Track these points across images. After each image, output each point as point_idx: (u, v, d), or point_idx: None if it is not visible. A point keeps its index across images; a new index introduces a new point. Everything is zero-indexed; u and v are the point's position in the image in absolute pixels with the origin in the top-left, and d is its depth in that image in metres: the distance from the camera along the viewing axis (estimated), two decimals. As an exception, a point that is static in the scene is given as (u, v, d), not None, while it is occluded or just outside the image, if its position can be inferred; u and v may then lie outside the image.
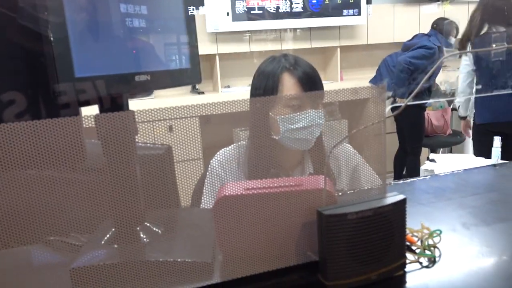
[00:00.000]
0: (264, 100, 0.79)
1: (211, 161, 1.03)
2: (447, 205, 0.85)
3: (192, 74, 0.69)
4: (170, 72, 0.66)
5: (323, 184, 0.63)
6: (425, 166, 2.79)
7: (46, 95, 0.50)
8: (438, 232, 0.70)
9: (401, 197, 0.60)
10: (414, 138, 3.31)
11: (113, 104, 0.60)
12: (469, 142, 3.89)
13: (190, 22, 0.69)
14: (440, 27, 3.21)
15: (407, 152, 3.43)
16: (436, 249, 0.67)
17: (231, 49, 3.58)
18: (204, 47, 3.43)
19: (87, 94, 0.52)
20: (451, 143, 3.67)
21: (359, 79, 3.94)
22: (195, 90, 3.54)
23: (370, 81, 3.47)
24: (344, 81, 3.83)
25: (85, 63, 0.52)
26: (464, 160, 2.82)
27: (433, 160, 2.80)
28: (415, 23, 3.87)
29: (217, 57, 3.51)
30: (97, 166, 0.65)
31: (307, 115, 0.89)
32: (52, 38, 0.47)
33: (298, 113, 0.91)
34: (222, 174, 1.00)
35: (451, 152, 3.96)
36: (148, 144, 0.76)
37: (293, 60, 1.13)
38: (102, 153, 0.63)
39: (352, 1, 3.61)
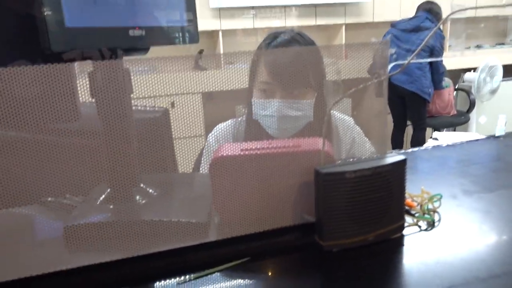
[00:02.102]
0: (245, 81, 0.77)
1: (208, 136, 1.02)
2: (448, 174, 0.83)
3: (189, 32, 0.67)
4: (165, 28, 0.64)
5: (321, 146, 0.62)
6: (428, 144, 2.78)
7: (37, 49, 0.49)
8: (439, 196, 0.69)
9: (401, 157, 0.58)
10: (419, 113, 3.29)
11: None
12: (473, 123, 3.86)
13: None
14: (435, 11, 3.16)
15: (403, 132, 3.42)
16: (435, 214, 0.66)
17: (235, 25, 3.52)
18: (207, 23, 3.37)
19: (78, 44, 0.50)
20: (455, 123, 3.63)
21: (365, 57, 3.87)
22: (198, 66, 3.51)
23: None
24: (348, 59, 3.78)
25: (76, 13, 0.50)
26: (467, 137, 2.81)
27: (436, 139, 2.79)
28: (421, -1, 3.77)
29: (220, 33, 3.45)
30: (92, 129, 0.64)
31: (272, 103, 0.85)
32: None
33: (265, 100, 0.87)
34: None
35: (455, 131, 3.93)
36: (145, 107, 0.75)
37: (284, 39, 0.98)
38: (97, 114, 0.62)
39: (358, -23, 3.53)
